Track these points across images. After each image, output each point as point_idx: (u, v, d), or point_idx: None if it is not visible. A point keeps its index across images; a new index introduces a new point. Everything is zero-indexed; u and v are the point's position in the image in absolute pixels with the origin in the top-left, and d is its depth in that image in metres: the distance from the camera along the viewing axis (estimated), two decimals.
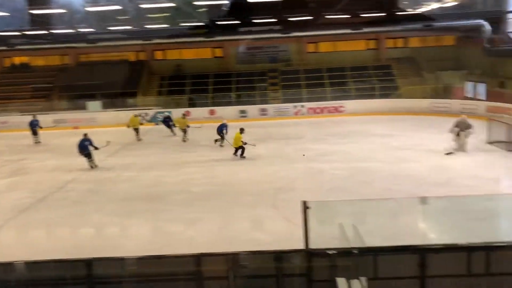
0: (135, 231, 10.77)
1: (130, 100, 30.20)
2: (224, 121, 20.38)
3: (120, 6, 29.81)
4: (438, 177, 13.76)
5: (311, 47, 33.50)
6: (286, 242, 8.43)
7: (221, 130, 19.91)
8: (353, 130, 22.51)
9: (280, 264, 6.86)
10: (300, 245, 7.05)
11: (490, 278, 6.62)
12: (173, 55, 34.34)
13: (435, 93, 28.83)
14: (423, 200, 7.17)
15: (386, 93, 29.18)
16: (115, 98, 29.69)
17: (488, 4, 29.14)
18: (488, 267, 6.62)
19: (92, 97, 29.89)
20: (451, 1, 26.74)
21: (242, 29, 30.03)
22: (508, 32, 26.93)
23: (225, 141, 19.57)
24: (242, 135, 17.45)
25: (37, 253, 8.46)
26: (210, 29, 30.98)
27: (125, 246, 9.58)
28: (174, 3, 29.52)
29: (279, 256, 6.93)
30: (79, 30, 33.10)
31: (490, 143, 16.91)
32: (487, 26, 27.11)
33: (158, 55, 34.50)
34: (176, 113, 24.83)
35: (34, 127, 23.01)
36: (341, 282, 6.36)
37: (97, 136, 17.88)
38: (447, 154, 15.80)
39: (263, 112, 28.70)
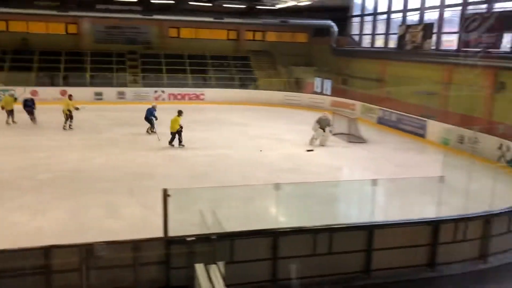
0: None
1: None
2: (154, 104, 18.84)
3: None
4: (289, 164, 14.84)
5: (173, 32, 32.95)
6: (144, 230, 8.32)
7: (150, 115, 18.29)
8: (213, 118, 22.95)
9: (138, 253, 6.76)
10: (159, 233, 7.03)
11: (331, 256, 7.42)
12: (18, 27, 30.65)
13: (288, 87, 30.82)
14: (276, 186, 7.70)
15: (244, 84, 30.27)
16: None
17: (336, 7, 31.90)
18: (330, 247, 7.42)
19: None
20: (305, 1, 28.72)
21: (99, 6, 28.10)
22: (352, 35, 29.95)
23: (156, 127, 17.98)
24: (180, 118, 16.42)
25: None
26: (63, 2, 28.36)
27: None
28: None
29: (137, 245, 6.82)
30: None
31: (334, 134, 18.73)
32: (334, 27, 29.83)
33: (0, 25, 30.51)
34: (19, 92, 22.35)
35: None
36: (199, 268, 6.52)
37: None
38: (308, 150, 16.59)
39: (121, 95, 27.47)
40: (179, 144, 16.40)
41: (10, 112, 19.74)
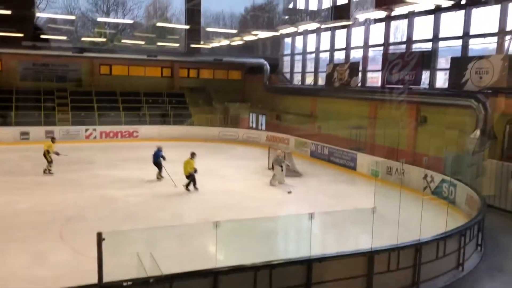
0: None
1: None
2: (159, 146, 17.91)
3: None
4: (225, 199, 14.80)
5: (104, 69, 32.38)
6: (77, 277, 7.85)
7: (158, 158, 17.38)
8: (147, 156, 22.41)
9: None
10: (93, 279, 6.67)
11: None
12: None
13: (224, 122, 31.07)
14: (215, 224, 7.62)
15: (180, 120, 30.12)
16: None
17: (268, 46, 33.14)
18: (270, 284, 7.40)
19: None
20: (238, 41, 29.58)
21: (25, 43, 27.05)
22: (284, 72, 31.05)
23: (163, 171, 17.13)
24: (194, 160, 15.67)
25: None
26: None
27: None
28: None
29: None
30: None
31: (270, 168, 18.97)
32: (267, 66, 30.79)
33: None
34: None
35: None
36: None
37: None
38: (289, 192, 16.18)
39: (50, 134, 26.12)
40: (194, 187, 15.75)
41: None
